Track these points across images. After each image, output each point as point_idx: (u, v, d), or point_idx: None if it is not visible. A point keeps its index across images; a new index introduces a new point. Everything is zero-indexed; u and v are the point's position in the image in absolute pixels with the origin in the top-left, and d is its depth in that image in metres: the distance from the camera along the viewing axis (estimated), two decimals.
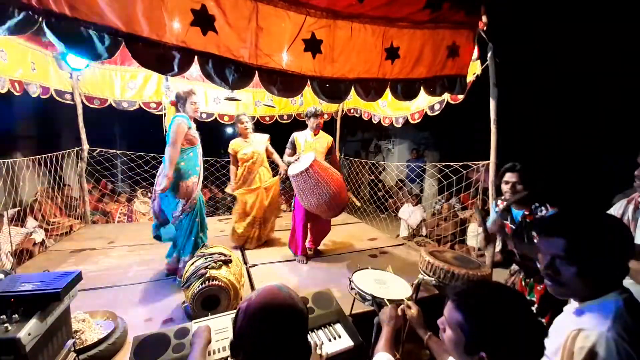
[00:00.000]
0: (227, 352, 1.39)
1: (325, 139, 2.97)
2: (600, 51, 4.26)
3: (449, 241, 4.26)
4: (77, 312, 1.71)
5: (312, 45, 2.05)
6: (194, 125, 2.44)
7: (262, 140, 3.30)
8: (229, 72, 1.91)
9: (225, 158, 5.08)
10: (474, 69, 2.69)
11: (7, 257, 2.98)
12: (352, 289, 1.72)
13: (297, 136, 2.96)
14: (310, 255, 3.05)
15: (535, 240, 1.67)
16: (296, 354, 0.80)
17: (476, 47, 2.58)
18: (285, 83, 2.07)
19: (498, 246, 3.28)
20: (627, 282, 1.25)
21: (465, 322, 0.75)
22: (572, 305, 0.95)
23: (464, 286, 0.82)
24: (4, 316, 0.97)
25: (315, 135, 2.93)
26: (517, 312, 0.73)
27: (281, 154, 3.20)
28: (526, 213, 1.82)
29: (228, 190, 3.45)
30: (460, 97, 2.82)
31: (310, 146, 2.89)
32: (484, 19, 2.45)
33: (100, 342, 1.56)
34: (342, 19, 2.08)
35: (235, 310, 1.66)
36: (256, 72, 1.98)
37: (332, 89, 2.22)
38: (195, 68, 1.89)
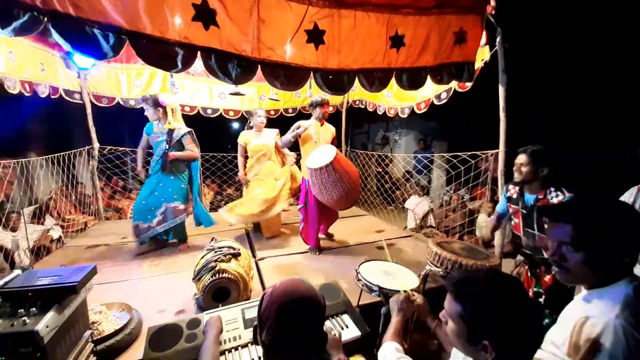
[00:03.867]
0: (237, 342, 1.43)
1: (330, 130, 3.00)
2: (612, 36, 4.08)
3: (457, 232, 4.22)
4: (94, 304, 1.78)
5: (315, 36, 2.03)
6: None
7: (271, 135, 3.36)
8: (232, 66, 1.91)
9: (231, 153, 5.12)
10: (482, 55, 2.61)
11: (25, 253, 3.10)
12: (358, 280, 1.73)
13: (305, 125, 2.94)
14: (325, 246, 3.09)
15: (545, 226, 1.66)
16: (314, 340, 0.86)
17: (484, 32, 2.51)
18: (288, 76, 2.06)
19: (508, 237, 3.25)
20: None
21: (465, 312, 0.75)
22: (582, 293, 0.93)
23: (460, 276, 0.82)
24: (22, 310, 1.01)
25: (321, 125, 2.94)
26: (514, 297, 0.73)
27: (292, 147, 3.26)
28: (540, 197, 1.80)
29: (241, 177, 3.42)
30: (468, 84, 2.75)
31: (320, 137, 2.91)
32: (492, 2, 2.37)
33: (117, 332, 1.62)
34: (345, 8, 2.05)
35: (246, 301, 1.71)
36: (259, 66, 1.97)
37: (336, 81, 2.20)
38: (199, 63, 1.90)
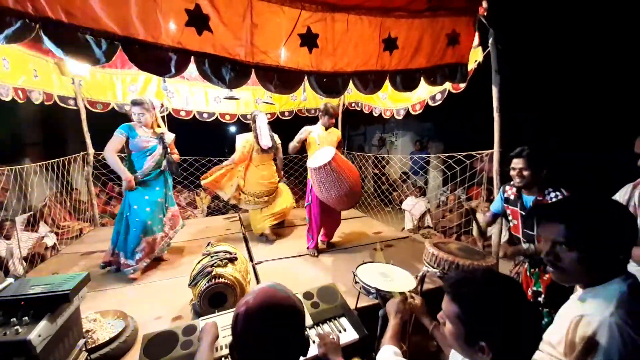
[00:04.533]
0: None
1: (335, 134, 3.09)
2: (605, 35, 4.14)
3: (454, 232, 4.23)
4: (88, 312, 1.76)
5: (308, 40, 2.03)
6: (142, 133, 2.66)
7: None
8: (226, 71, 1.91)
9: (228, 157, 5.10)
10: (476, 56, 2.63)
11: (19, 261, 3.06)
12: (356, 282, 1.73)
13: (310, 130, 3.04)
14: (323, 248, 3.14)
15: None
16: (295, 349, 0.82)
17: (477, 34, 2.53)
18: (282, 80, 2.06)
19: (504, 237, 3.26)
20: (635, 269, 1.23)
21: (462, 313, 0.75)
22: (577, 292, 0.94)
23: (457, 277, 0.82)
24: (15, 319, 1.00)
25: (326, 130, 3.05)
26: (511, 297, 0.74)
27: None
28: (539, 198, 1.78)
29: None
30: (462, 85, 2.77)
31: (324, 140, 2.98)
32: (484, 4, 2.40)
33: (112, 340, 1.60)
34: (338, 12, 2.06)
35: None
36: (252, 70, 1.97)
37: (330, 84, 2.20)
38: (194, 68, 1.89)
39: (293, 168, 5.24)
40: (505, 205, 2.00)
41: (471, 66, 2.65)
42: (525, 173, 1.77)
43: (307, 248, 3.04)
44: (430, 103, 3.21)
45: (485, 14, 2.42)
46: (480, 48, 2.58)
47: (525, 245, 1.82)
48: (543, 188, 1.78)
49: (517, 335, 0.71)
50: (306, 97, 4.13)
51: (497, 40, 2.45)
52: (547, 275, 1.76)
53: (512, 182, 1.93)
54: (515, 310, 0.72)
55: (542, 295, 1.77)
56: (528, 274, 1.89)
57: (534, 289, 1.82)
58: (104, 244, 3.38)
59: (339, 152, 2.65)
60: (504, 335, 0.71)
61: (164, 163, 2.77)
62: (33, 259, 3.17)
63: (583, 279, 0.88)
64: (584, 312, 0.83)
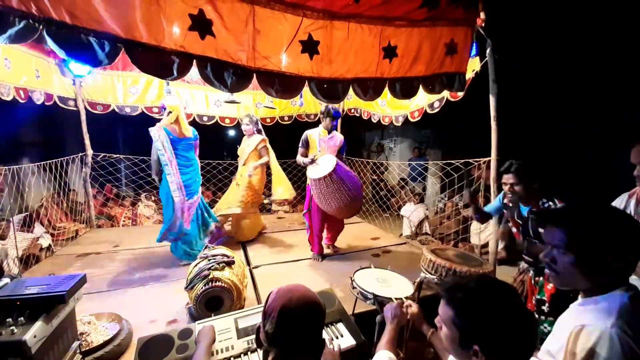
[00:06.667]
0: (230, 352, 1.41)
1: (337, 137, 3.01)
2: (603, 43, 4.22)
3: (452, 239, 4.24)
4: (83, 314, 1.74)
5: (309, 47, 2.06)
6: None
7: (250, 142, 3.43)
8: (228, 75, 1.93)
9: (226, 160, 5.13)
10: (473, 66, 2.68)
11: (14, 262, 3.03)
12: (353, 288, 1.73)
13: (311, 134, 2.96)
14: (328, 253, 3.12)
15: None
16: (311, 340, 0.93)
17: (475, 44, 2.58)
18: (283, 85, 2.09)
19: (502, 243, 3.28)
20: (635, 279, 1.24)
21: (457, 316, 0.76)
22: (577, 301, 0.94)
23: (453, 282, 0.83)
24: (10, 319, 0.99)
25: (328, 133, 2.96)
26: (505, 302, 0.74)
27: (288, 154, 3.28)
28: (533, 210, 1.80)
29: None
30: (460, 94, 2.81)
31: (324, 144, 2.93)
32: (482, 15, 2.45)
33: (106, 343, 1.58)
34: (339, 20, 2.10)
35: (239, 310, 1.69)
36: (254, 75, 2.00)
37: (330, 90, 2.23)
38: (195, 71, 1.91)
39: (292, 172, 5.25)
40: (504, 210, 2.03)
41: (469, 75, 2.69)
42: (517, 188, 1.78)
43: (312, 253, 3.02)
44: (429, 110, 3.25)
45: (483, 24, 2.47)
46: (477, 58, 2.63)
47: (527, 246, 1.83)
48: (537, 199, 1.80)
49: (510, 340, 0.71)
50: (302, 103, 4.17)
51: (495, 51, 2.50)
52: (551, 285, 1.76)
53: (509, 197, 1.94)
54: (509, 315, 0.72)
55: (546, 304, 1.76)
56: (532, 282, 1.89)
57: (538, 297, 1.81)
58: (100, 246, 3.37)
59: (340, 161, 2.62)
60: (497, 339, 0.71)
61: None
62: (27, 260, 3.14)
63: (580, 284, 0.88)
64: (585, 322, 0.82)
